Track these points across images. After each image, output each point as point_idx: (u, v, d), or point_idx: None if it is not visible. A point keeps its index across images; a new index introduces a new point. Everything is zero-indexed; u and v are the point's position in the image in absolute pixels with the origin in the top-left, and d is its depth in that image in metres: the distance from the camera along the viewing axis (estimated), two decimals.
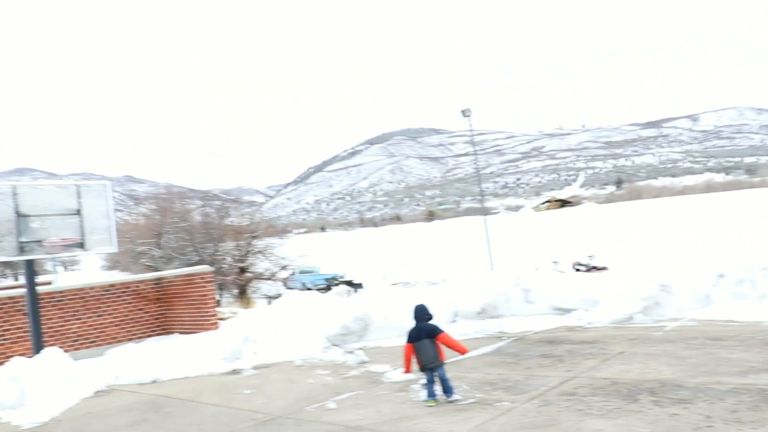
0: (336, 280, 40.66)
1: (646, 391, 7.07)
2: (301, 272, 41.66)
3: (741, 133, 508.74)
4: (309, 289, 36.97)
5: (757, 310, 11.15)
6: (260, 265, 36.65)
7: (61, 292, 13.90)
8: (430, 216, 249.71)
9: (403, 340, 7.99)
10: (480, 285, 14.60)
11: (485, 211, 38.58)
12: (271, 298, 32.78)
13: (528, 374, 8.53)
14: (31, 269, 12.08)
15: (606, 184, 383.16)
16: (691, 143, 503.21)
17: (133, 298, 14.90)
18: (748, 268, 12.06)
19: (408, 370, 7.90)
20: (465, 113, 36.97)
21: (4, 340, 12.87)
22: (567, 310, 13.08)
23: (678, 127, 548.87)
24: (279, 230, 44.64)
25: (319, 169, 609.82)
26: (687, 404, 6.43)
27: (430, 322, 7.81)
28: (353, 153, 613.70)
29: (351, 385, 9.01)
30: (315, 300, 15.32)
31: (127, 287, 14.91)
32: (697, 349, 8.97)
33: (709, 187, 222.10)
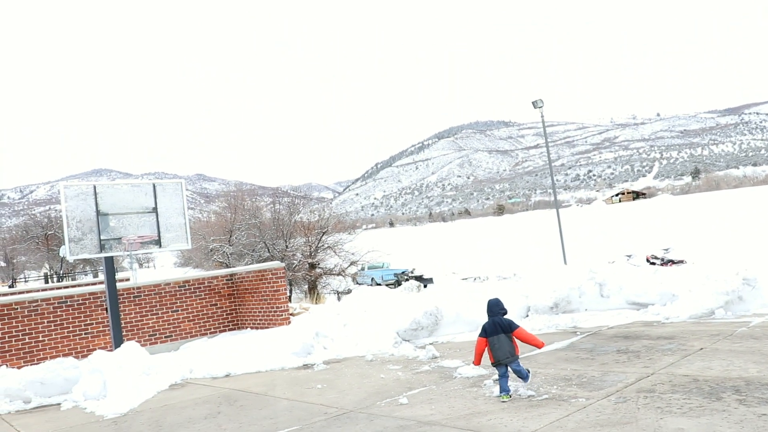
0: (405, 275, 40.66)
1: (730, 389, 6.77)
2: (371, 267, 41.83)
3: None
4: (378, 284, 37.09)
5: None
6: (330, 260, 37.00)
7: (138, 288, 14.32)
8: (500, 210, 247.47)
9: (474, 335, 7.89)
10: (553, 279, 14.33)
11: (558, 204, 37.86)
12: (340, 293, 33.05)
13: (604, 370, 8.30)
14: (111, 266, 12.47)
15: (682, 175, 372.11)
16: None
17: (207, 294, 15.23)
18: None
19: (478, 363, 7.80)
20: (536, 104, 36.32)
21: (87, 333, 13.34)
22: (643, 305, 12.71)
23: (761, 113, 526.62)
24: (348, 226, 44.93)
25: (387, 164, 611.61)
26: None
27: (505, 316, 7.70)
28: (421, 147, 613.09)
29: (423, 380, 8.96)
30: (385, 295, 15.34)
31: (201, 283, 15.24)
32: None
33: None
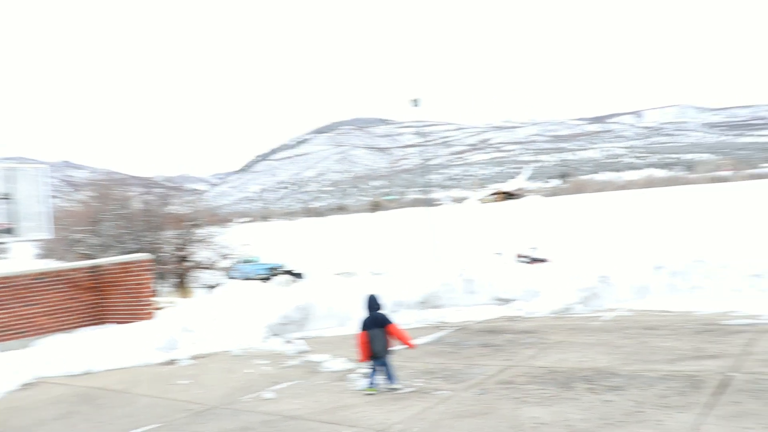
0: (277, 269, 40.27)
1: (581, 379, 7.15)
2: (243, 262, 41.10)
3: (682, 130, 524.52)
4: (250, 278, 36.55)
5: (689, 300, 11.48)
6: (201, 254, 36.00)
7: None
8: (375, 206, 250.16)
9: (345, 330, 7.85)
10: (423, 275, 14.61)
11: (431, 202, 38.68)
12: (211, 287, 32.27)
13: (467, 363, 8.54)
14: None
15: (551, 178, 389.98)
16: (634, 139, 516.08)
17: (67, 287, 14.43)
18: (682, 261, 12.36)
19: (365, 358, 7.68)
20: (414, 103, 36.85)
21: None
22: (508, 301, 13.20)
23: (622, 123, 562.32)
24: (221, 219, 43.93)
25: (265, 157, 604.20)
26: (620, 391, 6.52)
27: (380, 311, 7.75)
28: (300, 142, 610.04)
29: (290, 374, 8.88)
30: (256, 289, 15.11)
31: (60, 275, 14.42)
32: (632, 338, 9.13)
33: (649, 183, 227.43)
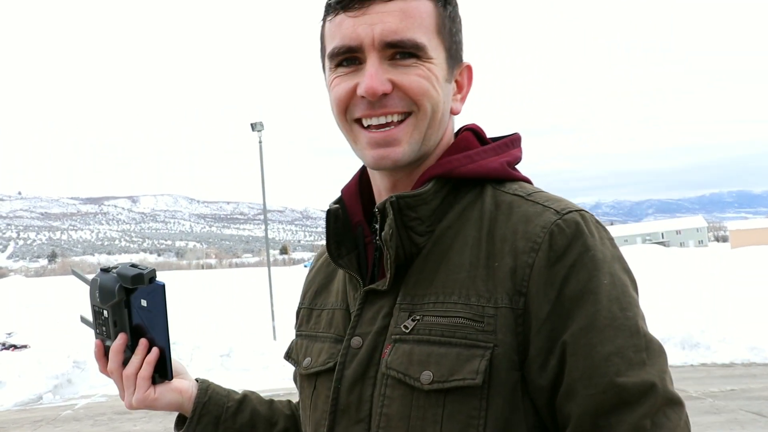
0: None
1: None
2: None
3: (174, 218, 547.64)
4: None
5: None
6: None
7: None
8: None
9: None
10: None
11: None
12: None
13: None
14: None
15: (39, 257, 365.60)
16: (128, 223, 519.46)
17: None
18: None
19: None
20: None
21: None
22: None
23: (118, 207, 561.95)
24: None
25: None
26: None
27: None
28: None
29: None
30: None
31: None
32: (103, 425, 8.89)
33: None
